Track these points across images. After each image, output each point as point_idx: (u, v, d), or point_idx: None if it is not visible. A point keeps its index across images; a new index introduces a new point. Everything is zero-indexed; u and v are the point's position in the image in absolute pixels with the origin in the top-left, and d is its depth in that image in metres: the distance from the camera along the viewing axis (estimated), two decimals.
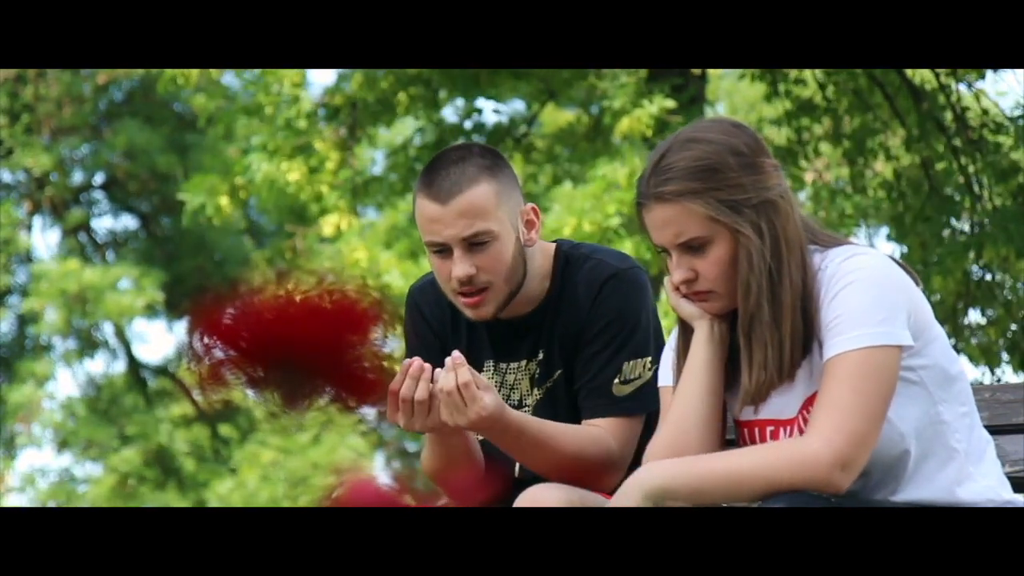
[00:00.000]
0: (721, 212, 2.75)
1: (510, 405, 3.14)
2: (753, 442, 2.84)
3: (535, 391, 3.18)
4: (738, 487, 2.66)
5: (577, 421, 3.14)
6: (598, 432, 3.08)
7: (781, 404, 2.81)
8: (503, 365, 3.20)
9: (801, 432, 2.76)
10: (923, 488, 2.78)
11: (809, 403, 2.78)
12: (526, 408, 3.17)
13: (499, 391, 3.17)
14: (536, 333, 3.18)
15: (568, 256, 3.19)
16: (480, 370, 3.19)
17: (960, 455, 2.80)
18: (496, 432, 2.98)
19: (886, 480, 2.78)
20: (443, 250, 3.07)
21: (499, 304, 3.09)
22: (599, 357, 3.12)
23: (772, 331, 2.75)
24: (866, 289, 2.72)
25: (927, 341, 2.79)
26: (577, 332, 3.14)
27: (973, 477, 2.80)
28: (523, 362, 3.19)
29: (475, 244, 3.05)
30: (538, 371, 3.18)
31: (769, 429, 2.83)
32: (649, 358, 3.12)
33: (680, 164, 2.77)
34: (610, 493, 2.90)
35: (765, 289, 2.75)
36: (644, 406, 3.12)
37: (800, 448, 2.66)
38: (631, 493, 2.68)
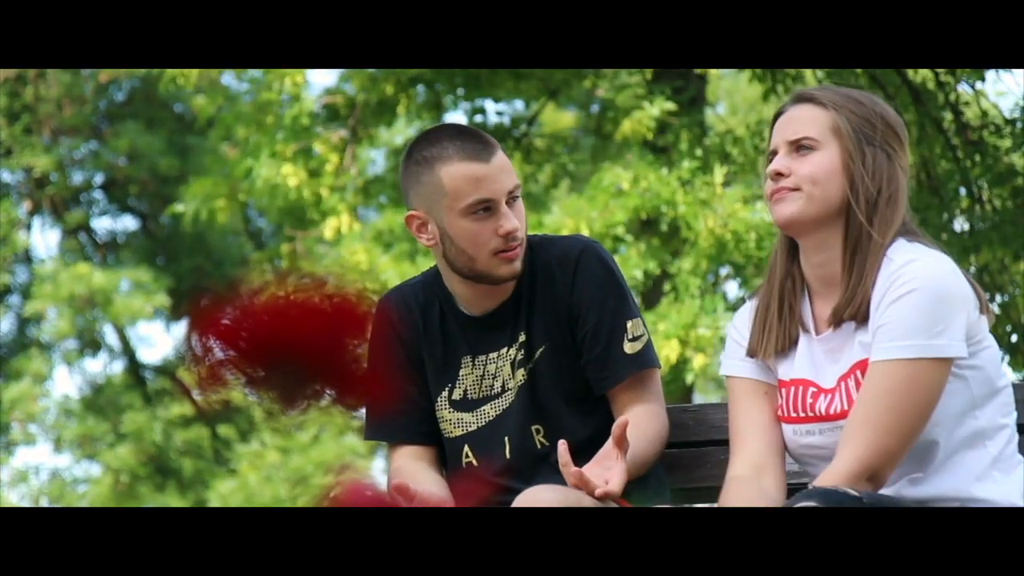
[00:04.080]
0: (852, 131, 2.86)
1: (494, 392, 3.24)
2: (794, 401, 2.90)
3: (518, 374, 3.22)
4: None
5: (562, 392, 3.21)
6: (644, 409, 3.16)
7: (825, 368, 2.87)
8: (481, 358, 3.25)
9: (843, 401, 2.84)
10: (947, 480, 2.80)
11: (848, 374, 2.83)
12: (509, 391, 3.23)
13: (481, 382, 3.24)
14: (513, 320, 3.23)
15: (530, 243, 3.26)
16: (458, 367, 3.25)
17: (989, 459, 2.82)
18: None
19: (913, 468, 2.81)
20: (488, 208, 3.14)
21: (522, 258, 3.19)
22: (603, 326, 3.19)
23: (873, 260, 2.82)
24: (926, 299, 2.76)
25: (979, 347, 2.82)
26: (563, 309, 3.22)
27: (997, 481, 2.82)
28: (503, 350, 3.24)
29: (514, 198, 3.16)
30: (521, 354, 3.23)
31: (811, 390, 2.89)
32: (639, 318, 3.23)
33: (839, 89, 2.93)
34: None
35: (873, 216, 2.83)
36: (654, 359, 3.23)
37: (835, 474, 2.75)
38: None
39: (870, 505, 2.64)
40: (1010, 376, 3.24)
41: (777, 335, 2.93)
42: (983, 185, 9.40)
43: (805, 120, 2.90)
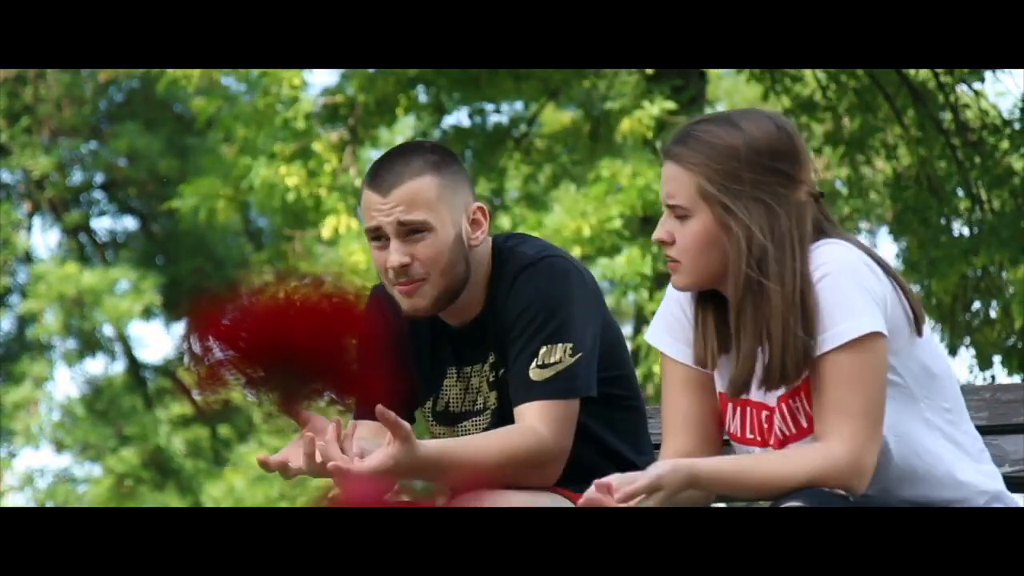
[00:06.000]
0: (716, 193, 2.75)
1: (476, 409, 3.13)
2: (750, 423, 2.84)
3: (491, 396, 3.12)
4: (766, 490, 2.69)
5: None
6: (520, 425, 3.00)
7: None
8: (466, 370, 3.15)
9: (786, 421, 2.78)
10: (916, 486, 2.79)
11: (789, 396, 2.78)
12: (488, 411, 3.12)
13: (464, 395, 3.14)
14: (485, 334, 3.12)
15: (500, 250, 3.14)
16: (443, 377, 3.16)
17: (947, 450, 2.80)
18: (413, 472, 2.89)
19: (877, 476, 2.77)
20: (380, 238, 3.05)
21: (435, 298, 3.05)
22: (516, 345, 3.04)
23: (755, 328, 2.75)
24: (841, 280, 2.72)
25: (905, 342, 2.78)
26: (506, 325, 3.08)
27: (965, 461, 2.82)
28: (479, 365, 3.12)
29: (411, 233, 3.03)
30: (492, 375, 3.12)
31: (764, 413, 2.83)
32: (571, 344, 3.02)
33: (702, 135, 2.78)
34: (554, 484, 2.93)
35: (751, 284, 2.75)
36: (567, 390, 3.01)
37: (828, 458, 2.68)
38: (663, 466, 2.67)
39: (856, 504, 2.64)
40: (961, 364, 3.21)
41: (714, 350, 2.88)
42: (981, 186, 9.40)
43: (673, 183, 2.79)
